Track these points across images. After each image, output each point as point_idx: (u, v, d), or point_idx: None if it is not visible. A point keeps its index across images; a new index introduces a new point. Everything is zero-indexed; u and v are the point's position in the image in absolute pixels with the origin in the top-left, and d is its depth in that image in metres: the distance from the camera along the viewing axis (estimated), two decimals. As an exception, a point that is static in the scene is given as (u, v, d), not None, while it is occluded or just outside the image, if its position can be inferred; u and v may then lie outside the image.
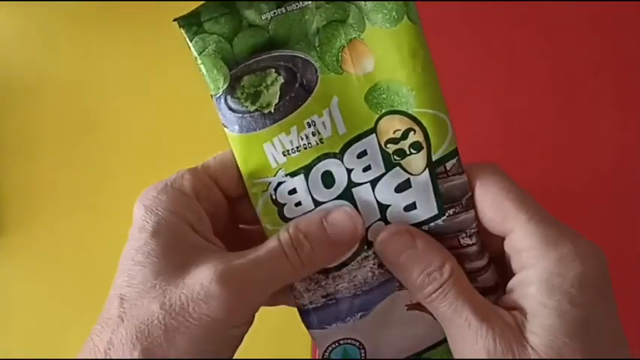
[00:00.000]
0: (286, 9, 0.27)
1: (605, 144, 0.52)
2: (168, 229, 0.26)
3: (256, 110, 0.27)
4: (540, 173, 0.51)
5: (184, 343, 0.24)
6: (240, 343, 0.27)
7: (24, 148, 0.51)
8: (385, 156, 0.28)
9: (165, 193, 0.27)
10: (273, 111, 0.27)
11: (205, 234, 0.27)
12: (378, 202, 0.28)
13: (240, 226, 0.31)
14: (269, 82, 0.27)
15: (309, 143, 0.28)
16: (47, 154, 0.50)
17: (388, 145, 0.28)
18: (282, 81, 0.27)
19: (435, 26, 0.53)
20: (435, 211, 0.28)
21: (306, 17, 0.27)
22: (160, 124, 0.49)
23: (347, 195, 0.28)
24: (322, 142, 0.28)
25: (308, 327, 0.30)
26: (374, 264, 0.29)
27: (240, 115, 0.28)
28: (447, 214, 0.28)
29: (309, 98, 0.28)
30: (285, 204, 0.28)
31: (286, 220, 0.28)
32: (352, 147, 0.28)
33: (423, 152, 0.27)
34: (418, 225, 0.28)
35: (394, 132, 0.27)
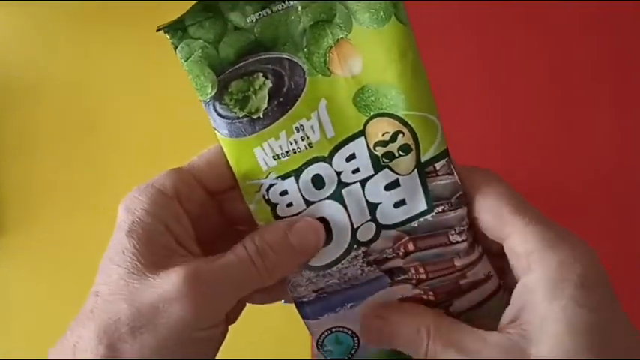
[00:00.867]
0: (271, 10, 0.27)
1: (603, 144, 0.50)
2: (143, 229, 0.27)
3: (245, 116, 0.27)
4: (538, 173, 0.51)
5: (150, 341, 0.25)
6: (212, 348, 0.28)
7: (24, 148, 0.51)
8: (374, 159, 0.28)
9: (145, 194, 0.28)
10: (261, 116, 0.27)
11: (180, 236, 0.28)
12: (367, 201, 0.28)
13: (237, 227, 0.32)
14: (257, 87, 0.27)
15: (298, 148, 0.28)
16: (47, 154, 0.50)
17: (377, 148, 0.28)
18: (270, 85, 0.27)
19: (433, 26, 0.51)
20: (424, 207, 0.28)
21: (292, 18, 0.27)
22: (160, 124, 0.49)
23: (337, 195, 0.28)
24: (311, 147, 0.28)
25: (303, 318, 0.31)
26: (363, 262, 0.29)
27: (230, 120, 0.28)
28: (435, 211, 0.28)
29: (298, 102, 0.27)
30: (277, 204, 0.29)
31: (280, 219, 0.29)
32: (341, 150, 0.28)
33: (412, 154, 0.27)
34: (407, 220, 0.29)
35: (383, 135, 0.27)
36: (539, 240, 0.26)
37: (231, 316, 0.31)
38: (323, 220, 0.29)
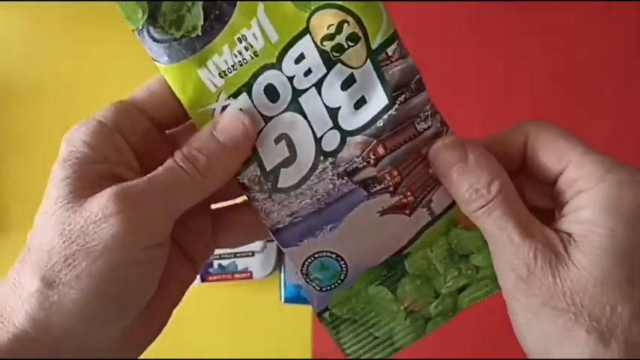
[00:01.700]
0: None
1: (602, 144, 0.51)
2: (78, 159, 0.26)
3: (183, 36, 0.26)
4: None
5: (85, 268, 0.24)
6: (154, 272, 0.26)
7: (24, 148, 0.51)
8: (324, 55, 0.26)
9: (85, 125, 0.27)
10: (200, 34, 0.26)
11: (119, 166, 0.26)
12: (327, 107, 0.27)
13: None
14: (190, 4, 0.26)
15: (243, 59, 0.26)
16: (47, 154, 0.49)
17: (324, 43, 0.26)
18: (203, 0, 0.26)
19: (434, 27, 0.52)
20: (385, 101, 0.27)
21: None
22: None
23: (294, 106, 0.27)
24: (257, 55, 0.26)
25: (281, 246, 0.29)
26: (333, 175, 0.28)
27: (167, 44, 0.26)
28: (398, 102, 0.27)
29: (234, 12, 0.26)
30: None
31: None
32: (288, 53, 0.26)
33: (362, 42, 0.26)
34: (371, 121, 0.27)
35: (328, 27, 0.26)
36: (598, 163, 0.26)
37: (197, 259, 0.30)
38: (284, 137, 0.27)
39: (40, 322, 0.24)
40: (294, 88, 0.27)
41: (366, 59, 0.26)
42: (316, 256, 0.29)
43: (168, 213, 0.26)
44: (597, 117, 0.50)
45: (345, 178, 0.28)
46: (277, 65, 0.27)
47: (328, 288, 0.29)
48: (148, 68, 0.50)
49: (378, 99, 0.27)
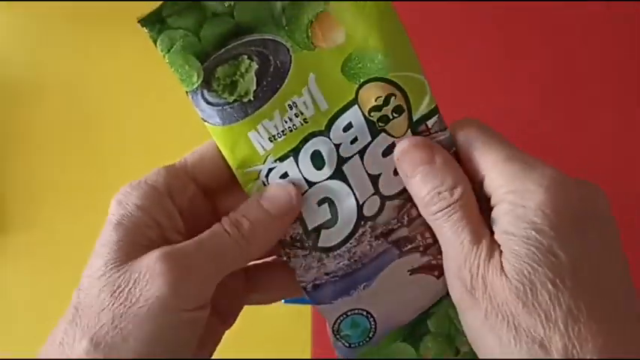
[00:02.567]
0: None
1: (603, 144, 0.52)
2: (131, 222, 0.27)
3: (235, 100, 0.27)
4: None
5: (132, 329, 0.24)
6: (196, 333, 0.27)
7: (24, 148, 0.51)
8: (370, 124, 0.28)
9: (138, 189, 0.27)
10: (252, 99, 0.27)
11: (168, 231, 0.27)
12: (369, 174, 0.29)
13: None
14: (243, 70, 0.27)
15: (293, 125, 0.28)
16: (47, 154, 0.50)
17: (372, 114, 0.28)
18: (257, 66, 0.27)
19: (435, 26, 0.53)
20: None
21: None
22: (160, 124, 0.49)
23: (339, 174, 0.28)
24: (307, 122, 0.28)
25: (315, 303, 0.30)
26: (371, 237, 0.29)
27: (220, 107, 0.27)
28: None
29: (286, 79, 0.27)
30: None
31: None
32: (337, 121, 0.28)
33: (405, 114, 0.28)
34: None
35: (376, 99, 0.28)
36: (507, 174, 0.26)
37: (230, 318, 0.31)
38: (327, 200, 0.29)
39: None
40: (339, 156, 0.28)
41: (407, 129, 0.28)
42: (349, 313, 0.30)
43: (213, 276, 0.27)
44: (597, 117, 0.52)
45: (382, 239, 0.29)
46: (325, 132, 0.28)
47: (357, 344, 0.31)
48: (147, 68, 0.50)
49: None
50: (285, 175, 0.28)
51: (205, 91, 0.27)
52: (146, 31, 0.27)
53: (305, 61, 0.27)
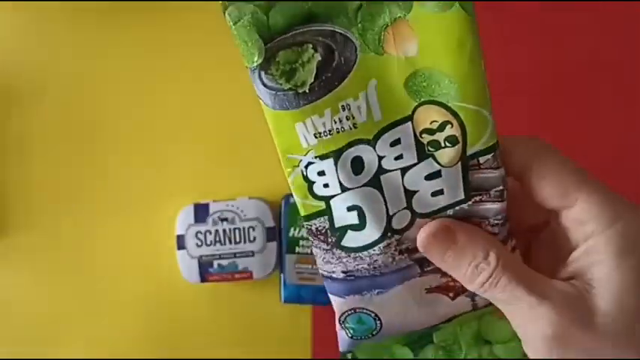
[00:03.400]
0: None
1: (604, 145, 0.48)
2: None
3: (290, 89, 0.26)
4: None
5: None
6: None
7: (24, 148, 0.51)
8: (419, 146, 0.27)
9: None
10: (307, 91, 0.26)
11: None
12: (405, 189, 0.28)
13: None
14: (305, 59, 0.26)
15: (342, 127, 0.27)
16: (47, 154, 0.50)
17: (423, 135, 0.27)
18: (319, 58, 0.26)
19: None
20: (462, 197, 0.28)
21: None
22: (160, 124, 0.48)
23: (374, 182, 0.28)
24: (355, 128, 0.27)
25: (327, 291, 0.31)
26: (395, 250, 0.29)
27: (274, 92, 0.27)
28: (472, 200, 0.28)
29: (346, 79, 0.26)
30: (314, 182, 0.28)
31: (315, 196, 0.29)
32: (386, 134, 0.27)
33: (458, 147, 0.26)
34: (443, 208, 0.28)
35: (431, 122, 0.26)
36: (606, 206, 0.26)
37: None
38: (357, 208, 0.28)
39: None
40: (380, 167, 0.27)
41: (458, 161, 0.27)
42: (357, 310, 0.31)
43: None
44: (597, 117, 0.49)
45: (406, 254, 0.29)
46: (372, 142, 0.27)
47: (359, 338, 0.32)
48: (147, 68, 0.49)
49: (456, 194, 0.28)
50: (322, 173, 0.28)
51: (263, 73, 0.26)
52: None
53: (370, 65, 0.26)
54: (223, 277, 0.47)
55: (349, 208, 0.28)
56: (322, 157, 0.27)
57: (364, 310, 0.31)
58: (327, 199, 0.29)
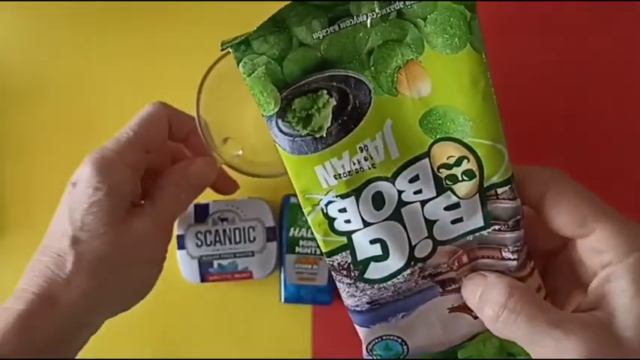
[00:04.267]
0: (339, 27, 0.26)
1: (604, 145, 0.49)
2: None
3: (308, 135, 0.27)
4: None
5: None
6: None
7: (24, 148, 0.50)
8: (437, 180, 0.28)
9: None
10: (325, 135, 0.27)
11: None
12: (425, 219, 0.29)
13: None
14: (321, 105, 0.27)
15: (361, 168, 0.27)
16: (47, 154, 0.50)
17: (441, 170, 0.27)
18: (335, 103, 0.27)
19: None
20: (482, 224, 0.29)
21: (360, 35, 0.26)
22: None
23: (396, 215, 0.28)
24: (374, 167, 0.27)
25: (354, 323, 0.32)
26: (418, 277, 0.30)
27: (292, 138, 0.27)
28: (492, 228, 0.29)
29: (362, 121, 0.27)
30: (335, 218, 0.29)
31: (337, 232, 0.29)
32: (405, 171, 0.27)
33: (475, 180, 0.27)
34: (463, 235, 0.29)
35: (448, 158, 0.27)
36: (624, 235, 0.27)
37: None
38: (380, 241, 0.29)
39: None
40: (400, 200, 0.28)
41: (476, 193, 0.28)
42: (384, 337, 0.32)
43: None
44: (597, 117, 0.50)
45: (428, 279, 0.30)
46: (391, 180, 0.28)
47: None
48: (147, 68, 0.49)
49: (476, 221, 0.29)
50: (343, 210, 0.28)
51: (280, 120, 0.27)
52: (231, 51, 0.26)
53: (385, 106, 0.27)
54: (223, 277, 0.47)
55: (372, 242, 0.29)
56: (343, 196, 0.28)
57: (391, 337, 0.32)
58: (348, 234, 0.29)
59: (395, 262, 0.29)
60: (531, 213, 0.29)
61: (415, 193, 0.28)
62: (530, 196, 0.28)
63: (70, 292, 0.33)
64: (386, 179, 0.28)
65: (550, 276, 0.31)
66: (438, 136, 0.27)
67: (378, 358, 0.32)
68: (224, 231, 0.47)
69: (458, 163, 0.27)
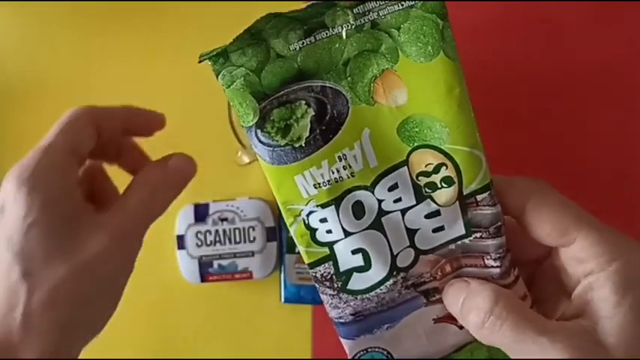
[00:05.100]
0: (315, 38, 0.26)
1: (605, 145, 0.50)
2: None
3: (287, 144, 0.27)
4: (539, 174, 0.50)
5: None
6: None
7: (24, 148, 0.50)
8: (416, 188, 0.28)
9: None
10: (304, 145, 0.27)
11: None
12: (407, 228, 0.29)
13: None
14: (299, 115, 0.27)
15: (340, 177, 0.28)
16: None
17: (419, 178, 0.28)
18: (313, 113, 0.27)
19: None
20: (463, 232, 0.29)
21: (337, 46, 0.26)
22: None
23: (376, 224, 0.28)
24: (353, 176, 0.28)
25: (339, 335, 0.32)
26: (401, 287, 0.30)
27: (271, 148, 0.27)
28: (473, 236, 0.29)
29: (340, 131, 0.27)
30: (317, 229, 0.29)
31: (319, 243, 0.29)
32: (384, 180, 0.28)
33: (454, 187, 0.27)
34: (445, 244, 0.29)
35: (426, 165, 0.27)
36: (605, 243, 0.27)
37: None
38: (362, 251, 0.29)
39: None
40: (380, 209, 0.28)
41: (455, 201, 0.28)
42: (369, 350, 0.31)
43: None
44: (598, 117, 0.50)
45: (412, 288, 0.30)
46: (370, 188, 0.28)
47: None
48: (147, 68, 0.50)
49: (457, 230, 0.29)
50: (324, 220, 0.29)
51: (259, 131, 0.27)
52: (210, 64, 0.27)
53: (362, 115, 0.27)
54: (223, 277, 0.47)
55: (354, 252, 0.29)
56: (323, 206, 0.28)
57: (376, 349, 0.31)
58: (330, 245, 0.29)
59: (377, 272, 0.29)
60: (514, 223, 0.29)
61: (395, 201, 0.28)
62: (512, 206, 0.28)
63: (29, 338, 0.28)
64: (365, 188, 0.28)
65: (536, 284, 0.31)
66: (415, 144, 0.27)
67: None
68: (224, 231, 0.47)
69: (436, 170, 0.27)
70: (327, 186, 0.28)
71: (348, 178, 0.28)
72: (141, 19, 0.51)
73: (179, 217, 0.49)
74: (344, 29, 0.26)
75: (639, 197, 0.50)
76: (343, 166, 0.28)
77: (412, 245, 0.29)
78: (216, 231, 0.47)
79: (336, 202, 0.28)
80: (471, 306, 0.28)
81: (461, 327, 0.31)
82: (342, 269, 0.30)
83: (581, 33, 0.50)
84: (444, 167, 0.27)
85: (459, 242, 0.29)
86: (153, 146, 0.47)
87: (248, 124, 0.27)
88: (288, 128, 0.27)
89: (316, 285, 0.30)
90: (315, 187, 0.28)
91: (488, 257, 0.29)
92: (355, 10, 0.26)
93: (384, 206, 0.28)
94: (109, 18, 0.51)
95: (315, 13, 0.26)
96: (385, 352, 0.31)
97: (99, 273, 0.30)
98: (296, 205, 0.29)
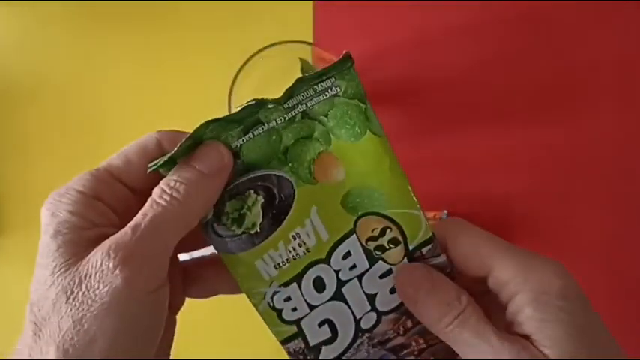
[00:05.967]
0: (253, 134, 0.29)
1: (605, 146, 0.53)
2: (68, 228, 0.27)
3: (243, 232, 0.29)
4: (539, 175, 0.53)
5: (97, 328, 0.25)
6: (162, 312, 0.28)
7: (24, 148, 0.50)
8: (367, 252, 0.30)
9: (67, 196, 0.28)
10: (259, 230, 0.29)
11: (106, 228, 0.28)
12: (366, 294, 0.31)
13: None
14: (250, 204, 0.29)
15: (297, 254, 0.30)
16: (46, 155, 0.50)
17: (369, 243, 0.30)
18: (262, 200, 0.29)
19: (434, 25, 0.52)
20: None
21: (274, 137, 0.29)
22: (160, 124, 0.46)
23: (338, 295, 0.31)
24: (309, 251, 0.30)
25: None
26: (368, 345, 0.31)
27: (230, 239, 0.29)
28: None
29: (290, 212, 0.29)
30: (282, 309, 0.31)
31: (286, 322, 0.31)
32: (337, 250, 0.30)
33: (401, 245, 0.30)
34: (402, 303, 0.31)
35: (372, 230, 0.30)
36: (518, 265, 0.28)
37: (175, 310, 0.32)
38: (327, 321, 0.31)
39: None
40: (339, 280, 0.30)
41: (404, 257, 0.30)
42: None
43: (161, 250, 0.27)
44: (597, 117, 0.53)
45: (379, 346, 0.32)
46: (326, 260, 0.30)
47: None
48: (147, 69, 0.50)
49: None
50: (288, 299, 0.30)
51: (215, 225, 0.29)
52: (161, 172, 0.29)
53: (307, 195, 0.29)
54: None
55: (320, 324, 0.31)
56: (286, 284, 0.30)
57: None
58: (297, 322, 0.31)
59: (344, 338, 0.31)
60: None
61: (350, 268, 0.30)
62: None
63: None
64: (322, 261, 0.30)
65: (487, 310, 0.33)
66: (360, 213, 0.30)
67: None
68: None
69: (382, 233, 0.30)
70: (287, 264, 0.30)
71: (305, 254, 0.30)
72: (141, 20, 0.52)
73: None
74: (278, 123, 0.29)
75: (639, 197, 0.53)
76: (298, 244, 0.30)
77: (374, 309, 0.31)
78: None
79: (297, 279, 0.30)
80: (433, 298, 0.29)
81: None
82: (311, 344, 0.31)
83: (581, 33, 0.53)
84: (389, 230, 0.30)
85: None
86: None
87: (204, 221, 0.29)
88: (242, 217, 0.29)
89: (290, 358, 0.32)
90: (275, 268, 0.30)
91: None
92: (285, 105, 0.29)
93: (342, 276, 0.30)
94: (109, 18, 0.52)
95: (249, 113, 0.28)
96: None
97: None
98: (259, 288, 0.30)
